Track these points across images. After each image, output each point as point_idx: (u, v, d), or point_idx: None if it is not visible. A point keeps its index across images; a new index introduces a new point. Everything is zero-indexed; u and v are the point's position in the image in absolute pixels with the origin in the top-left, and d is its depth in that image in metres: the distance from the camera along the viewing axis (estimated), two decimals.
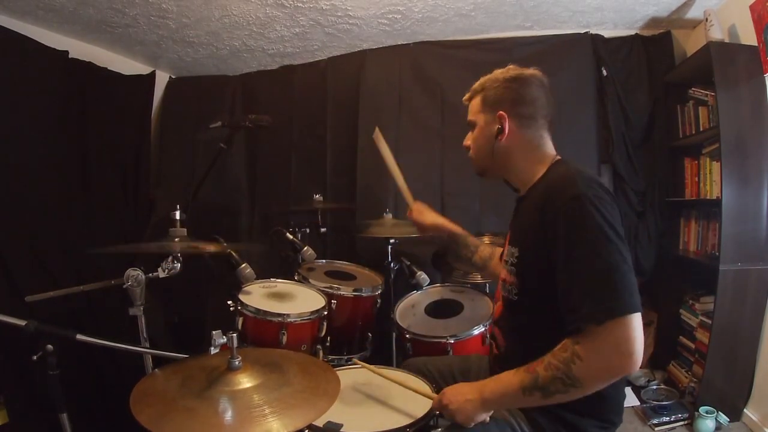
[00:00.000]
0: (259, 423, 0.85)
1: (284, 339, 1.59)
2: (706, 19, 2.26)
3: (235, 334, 1.01)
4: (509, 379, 0.98)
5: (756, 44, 2.10)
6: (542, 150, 1.15)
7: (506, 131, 1.12)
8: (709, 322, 2.18)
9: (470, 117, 1.21)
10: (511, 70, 1.16)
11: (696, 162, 2.48)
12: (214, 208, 2.84)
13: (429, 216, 1.53)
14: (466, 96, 1.24)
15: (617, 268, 0.88)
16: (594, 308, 0.87)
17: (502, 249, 1.43)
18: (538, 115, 1.14)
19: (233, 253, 1.69)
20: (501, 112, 1.12)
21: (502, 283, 1.15)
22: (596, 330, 0.87)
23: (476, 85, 1.21)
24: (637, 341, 0.86)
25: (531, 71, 1.16)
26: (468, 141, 1.24)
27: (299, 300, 1.78)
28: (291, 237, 2.11)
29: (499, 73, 1.17)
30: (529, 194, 1.13)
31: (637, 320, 0.86)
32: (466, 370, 1.36)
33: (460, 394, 1.04)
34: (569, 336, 0.91)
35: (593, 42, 2.64)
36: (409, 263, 2.11)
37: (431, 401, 1.14)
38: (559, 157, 1.15)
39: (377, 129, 1.66)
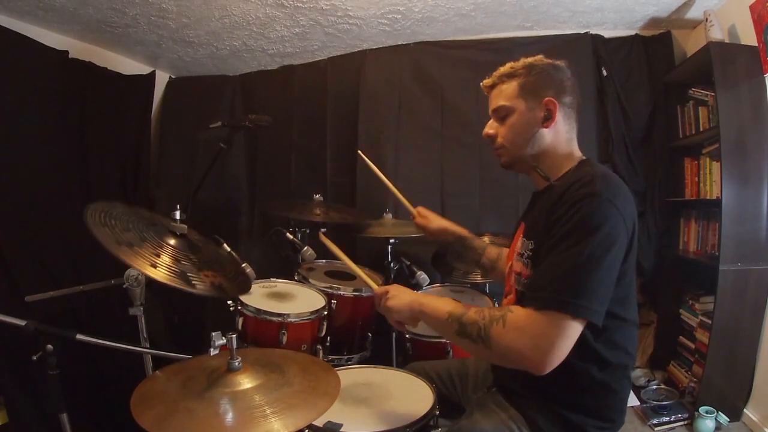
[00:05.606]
0: (260, 423, 0.85)
1: (284, 339, 1.59)
2: (706, 20, 2.26)
3: (234, 335, 1.01)
4: (445, 303, 1.03)
5: (756, 44, 2.10)
6: (572, 145, 1.12)
7: (555, 118, 1.07)
8: (709, 322, 2.18)
9: (503, 102, 1.12)
10: (544, 58, 1.12)
11: (696, 162, 2.48)
12: (214, 208, 2.84)
13: (434, 220, 1.54)
14: (488, 81, 1.16)
15: (592, 272, 0.87)
16: (544, 293, 0.89)
17: (508, 249, 1.41)
18: (575, 107, 1.12)
19: (233, 253, 1.70)
20: (549, 98, 1.07)
21: (517, 277, 1.10)
22: (533, 313, 0.89)
23: (505, 69, 1.13)
24: (558, 344, 0.86)
25: (562, 62, 1.14)
26: (491, 129, 1.16)
27: (299, 300, 1.78)
28: (291, 237, 2.11)
29: (534, 59, 1.12)
30: (550, 188, 1.09)
31: (573, 327, 0.86)
32: (464, 372, 1.35)
33: (404, 294, 1.10)
34: (517, 304, 0.94)
35: (593, 42, 2.64)
36: (409, 263, 2.11)
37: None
38: (585, 157, 1.12)
39: (359, 152, 1.80)
